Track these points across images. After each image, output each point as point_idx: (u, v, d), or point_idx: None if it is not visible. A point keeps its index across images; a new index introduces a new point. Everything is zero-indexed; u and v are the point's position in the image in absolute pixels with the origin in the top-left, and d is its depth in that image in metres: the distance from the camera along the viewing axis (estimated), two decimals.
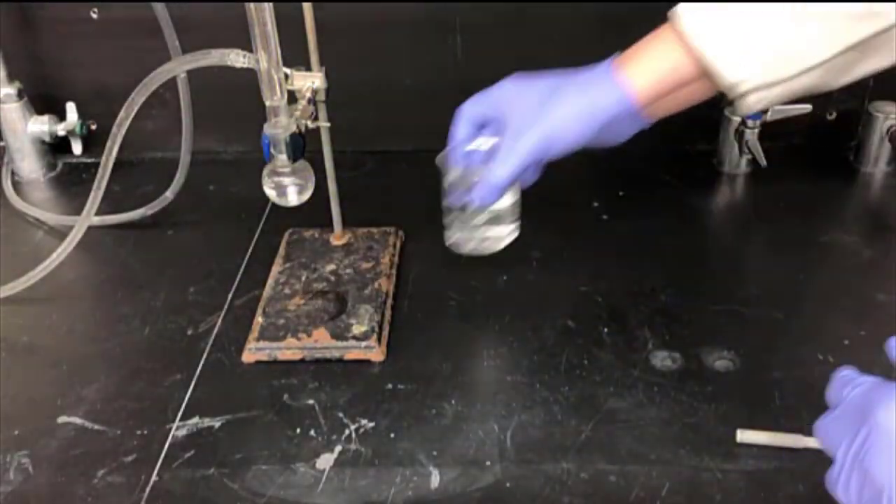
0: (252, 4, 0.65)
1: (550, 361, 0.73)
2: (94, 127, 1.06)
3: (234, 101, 1.04)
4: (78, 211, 0.98)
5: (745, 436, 0.65)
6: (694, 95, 0.66)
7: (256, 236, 0.91)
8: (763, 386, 0.70)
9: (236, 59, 0.68)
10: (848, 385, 0.48)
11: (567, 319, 0.78)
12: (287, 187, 0.73)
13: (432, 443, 0.66)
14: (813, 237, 0.89)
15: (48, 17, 0.99)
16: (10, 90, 0.99)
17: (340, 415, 0.69)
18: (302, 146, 0.71)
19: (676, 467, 0.63)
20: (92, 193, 0.79)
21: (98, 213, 0.97)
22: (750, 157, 0.98)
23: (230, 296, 0.82)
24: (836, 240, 0.88)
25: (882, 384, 0.46)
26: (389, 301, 0.80)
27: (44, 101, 1.03)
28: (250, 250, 0.89)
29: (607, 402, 0.69)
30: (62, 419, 0.69)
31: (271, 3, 0.66)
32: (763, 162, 0.95)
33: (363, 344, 0.74)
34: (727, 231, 0.91)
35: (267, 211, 0.95)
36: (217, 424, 0.68)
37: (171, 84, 1.04)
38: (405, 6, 0.97)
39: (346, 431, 0.67)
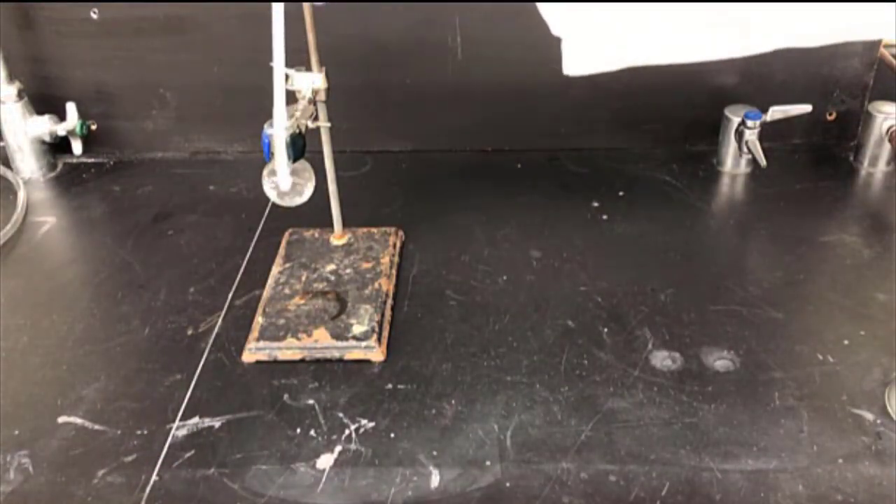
0: None
1: (550, 361, 0.73)
2: (94, 127, 1.06)
3: (234, 101, 1.05)
4: (79, 210, 0.98)
5: None
6: None
7: (256, 236, 0.91)
8: (763, 386, 0.70)
9: None
10: None
11: (567, 319, 0.78)
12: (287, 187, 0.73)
13: (432, 443, 0.66)
14: (813, 237, 0.89)
15: (48, 17, 0.99)
16: (11, 90, 0.99)
17: (340, 415, 0.69)
18: (302, 146, 0.71)
19: (676, 467, 0.63)
20: None
21: (99, 214, 0.98)
22: (750, 157, 0.98)
23: (230, 296, 0.82)
24: (836, 240, 0.88)
25: None
26: (389, 301, 0.80)
27: (44, 101, 1.03)
28: (250, 250, 0.89)
29: (607, 402, 0.69)
30: (62, 419, 0.69)
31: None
32: (763, 162, 0.95)
33: (363, 344, 0.74)
34: (727, 231, 0.91)
35: (267, 211, 0.95)
36: (217, 424, 0.68)
37: (171, 84, 1.05)
38: (405, 6, 0.97)
39: (346, 431, 0.67)
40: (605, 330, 0.77)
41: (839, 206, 0.95)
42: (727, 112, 1.00)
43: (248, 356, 0.75)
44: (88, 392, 0.72)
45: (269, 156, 0.71)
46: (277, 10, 0.63)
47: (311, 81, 0.73)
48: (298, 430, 0.67)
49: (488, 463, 0.64)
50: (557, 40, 1.00)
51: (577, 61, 0.64)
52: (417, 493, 0.62)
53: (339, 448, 0.66)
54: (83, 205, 1.00)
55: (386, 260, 0.84)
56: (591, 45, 0.63)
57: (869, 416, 0.67)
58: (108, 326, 0.79)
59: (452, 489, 0.62)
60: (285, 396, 0.71)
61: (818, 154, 1.05)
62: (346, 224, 0.86)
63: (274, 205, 0.75)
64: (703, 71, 1.01)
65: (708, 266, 0.85)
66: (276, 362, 0.74)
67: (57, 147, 1.06)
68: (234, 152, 1.09)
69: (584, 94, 1.03)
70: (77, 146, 1.06)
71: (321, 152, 0.79)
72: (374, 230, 0.88)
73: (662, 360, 0.73)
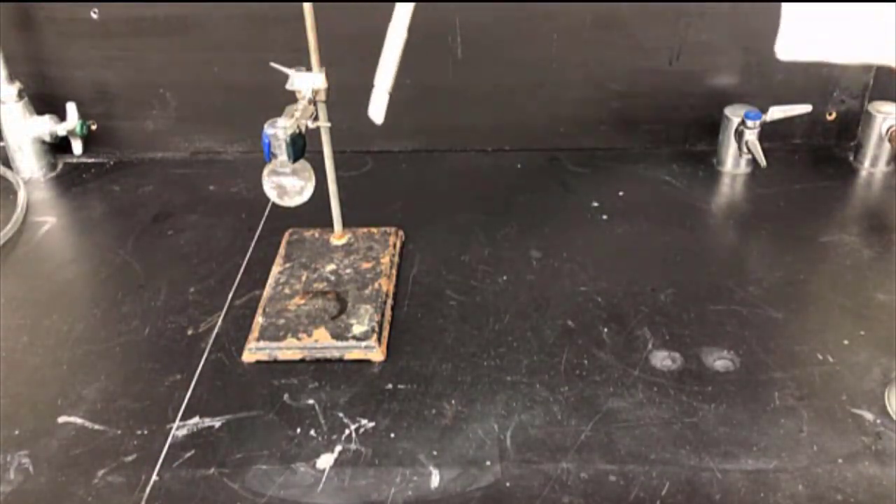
0: None
1: (550, 361, 0.73)
2: (94, 127, 1.06)
3: (234, 101, 1.05)
4: (79, 210, 0.98)
5: None
6: None
7: (256, 236, 0.91)
8: (763, 386, 0.70)
9: None
10: None
11: (567, 319, 0.78)
12: (287, 187, 0.73)
13: (432, 443, 0.66)
14: (813, 237, 0.89)
15: (48, 17, 0.99)
16: (11, 90, 0.99)
17: (340, 415, 0.69)
18: (302, 146, 0.71)
19: (676, 467, 0.63)
20: None
21: (99, 214, 0.98)
22: (750, 157, 0.98)
23: (230, 296, 0.82)
24: (836, 240, 0.88)
25: None
26: (389, 301, 0.80)
27: (44, 101, 1.03)
28: (250, 250, 0.89)
29: (607, 402, 0.69)
30: (62, 419, 0.69)
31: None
32: (763, 162, 0.95)
33: (363, 344, 0.74)
34: (727, 231, 0.91)
35: (267, 211, 0.95)
36: (217, 424, 0.68)
37: (171, 84, 1.05)
38: None
39: (346, 431, 0.67)
40: (605, 330, 0.77)
41: (839, 206, 0.95)
42: (727, 112, 1.00)
43: (248, 356, 0.75)
44: (88, 392, 0.72)
45: (270, 156, 0.71)
46: (404, 9, 0.64)
47: (311, 81, 0.73)
48: (298, 430, 0.67)
49: (488, 463, 0.64)
50: (557, 41, 1.00)
51: (792, 45, 0.63)
52: (417, 493, 0.62)
53: (339, 448, 0.66)
54: (83, 205, 1.00)
55: (386, 260, 0.84)
56: (810, 32, 0.62)
57: (869, 416, 0.67)
58: (108, 326, 0.79)
59: (452, 489, 0.62)
60: (285, 396, 0.71)
61: (818, 154, 1.05)
62: (346, 224, 0.86)
63: (274, 205, 0.75)
64: (703, 71, 1.01)
65: (708, 266, 0.85)
66: (276, 362, 0.74)
67: (57, 147, 1.06)
68: (234, 152, 1.09)
69: (584, 94, 1.04)
70: (77, 146, 1.06)
71: (321, 152, 0.79)
72: (374, 230, 0.88)
73: (662, 360, 0.73)
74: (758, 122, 0.96)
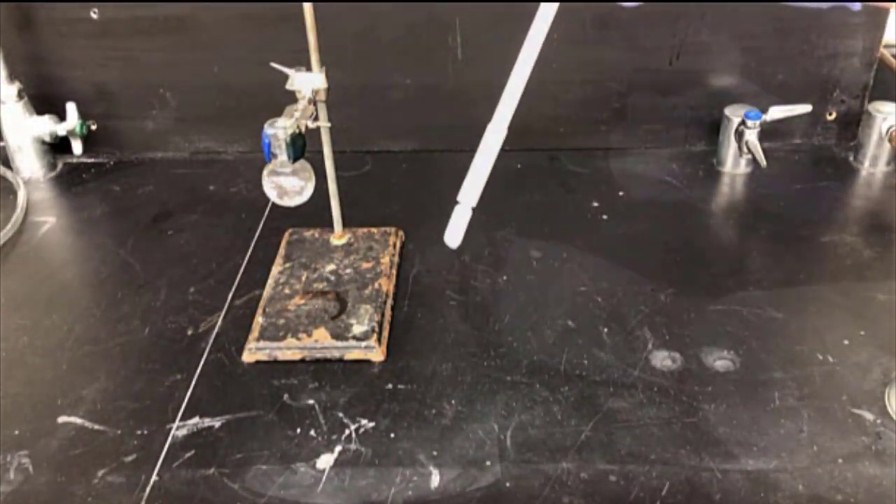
0: None
1: (550, 361, 0.73)
2: (94, 127, 1.06)
3: (234, 101, 1.05)
4: (79, 210, 0.98)
5: None
6: None
7: (256, 236, 0.91)
8: (763, 386, 0.70)
9: None
10: None
11: (567, 319, 0.78)
12: (287, 187, 0.73)
13: (432, 443, 0.66)
14: (813, 237, 0.89)
15: (48, 17, 0.99)
16: (11, 90, 0.99)
17: (340, 415, 0.69)
18: (302, 146, 0.71)
19: (676, 467, 0.63)
20: None
21: (99, 214, 0.98)
22: (750, 157, 0.98)
23: (230, 296, 0.82)
24: (836, 240, 0.88)
25: None
26: (389, 301, 0.80)
27: (44, 101, 1.03)
28: (250, 250, 0.89)
29: (607, 402, 0.69)
30: (62, 419, 0.69)
31: None
32: (763, 162, 0.95)
33: (363, 344, 0.74)
34: (727, 231, 0.91)
35: (267, 211, 0.95)
36: (217, 424, 0.68)
37: (171, 84, 1.05)
38: (405, 6, 0.97)
39: (346, 431, 0.67)
40: (605, 330, 0.77)
41: (839, 206, 0.95)
42: (727, 112, 1.00)
43: (248, 356, 0.75)
44: (88, 392, 0.72)
45: (270, 156, 0.71)
46: (547, 10, 0.61)
47: (311, 81, 0.73)
48: (298, 430, 0.67)
49: (488, 463, 0.64)
50: (557, 41, 1.00)
51: None
52: (417, 493, 0.62)
53: (339, 448, 0.66)
54: (83, 205, 1.00)
55: (386, 260, 0.84)
56: None
57: (869, 416, 0.67)
58: (108, 326, 0.79)
59: (452, 489, 0.62)
60: (285, 396, 0.71)
61: (818, 154, 1.05)
62: (346, 224, 0.86)
63: (274, 205, 0.75)
64: (703, 71, 1.01)
65: (708, 266, 0.85)
66: (276, 362, 0.74)
67: (57, 147, 1.06)
68: (234, 152, 1.09)
69: (584, 94, 1.04)
70: (77, 146, 1.06)
71: (321, 152, 0.79)
72: (374, 230, 0.88)
73: (662, 360, 0.73)
74: (758, 122, 0.96)
